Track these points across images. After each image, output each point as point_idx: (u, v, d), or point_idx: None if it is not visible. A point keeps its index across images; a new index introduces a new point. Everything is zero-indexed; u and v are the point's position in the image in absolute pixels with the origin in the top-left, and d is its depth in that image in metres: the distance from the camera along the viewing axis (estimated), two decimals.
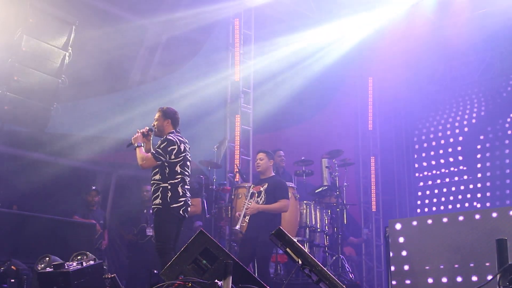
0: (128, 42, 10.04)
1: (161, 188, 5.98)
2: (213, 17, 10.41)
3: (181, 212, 6.01)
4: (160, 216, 5.98)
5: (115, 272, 5.09)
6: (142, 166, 6.06)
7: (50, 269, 5.14)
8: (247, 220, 6.93)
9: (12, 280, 5.86)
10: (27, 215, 7.31)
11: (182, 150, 6.09)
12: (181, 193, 6.02)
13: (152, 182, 6.09)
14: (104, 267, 5.90)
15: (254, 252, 7.02)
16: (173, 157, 6.00)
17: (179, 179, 6.05)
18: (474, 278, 4.85)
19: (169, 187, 5.97)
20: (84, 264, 5.16)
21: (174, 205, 5.95)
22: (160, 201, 5.95)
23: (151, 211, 6.26)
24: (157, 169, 6.03)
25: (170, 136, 6.10)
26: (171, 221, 6.00)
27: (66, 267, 5.07)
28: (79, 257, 5.38)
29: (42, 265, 5.44)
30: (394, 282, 5.29)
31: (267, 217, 6.99)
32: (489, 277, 3.32)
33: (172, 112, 6.27)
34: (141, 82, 10.41)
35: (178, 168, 6.04)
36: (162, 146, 6.02)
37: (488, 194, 11.46)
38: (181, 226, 6.17)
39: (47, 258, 5.52)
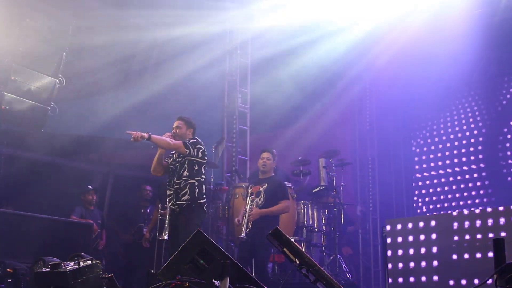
0: (126, 42, 10.04)
1: (189, 184, 6.19)
2: (211, 17, 10.41)
3: (205, 208, 6.29)
4: (189, 212, 6.12)
5: (112, 272, 5.08)
6: (170, 145, 6.17)
7: (47, 269, 5.14)
8: (250, 226, 6.92)
9: (10, 280, 5.86)
10: (25, 215, 7.30)
11: (206, 153, 6.42)
12: (204, 191, 6.30)
13: (177, 181, 6.22)
14: (101, 267, 5.89)
15: (251, 254, 7.03)
16: (200, 155, 6.29)
17: (203, 179, 6.34)
18: (473, 279, 4.87)
19: (196, 183, 6.21)
20: (81, 264, 5.15)
21: (201, 201, 6.21)
22: (189, 197, 6.15)
23: (181, 205, 6.18)
24: (185, 166, 6.24)
25: (195, 139, 6.39)
26: (200, 216, 6.23)
27: (63, 267, 5.07)
28: (75, 258, 5.37)
29: (38, 269, 5.44)
30: (390, 281, 5.30)
31: (267, 220, 7.00)
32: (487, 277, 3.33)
33: (194, 123, 6.55)
34: (139, 82, 10.41)
35: (203, 169, 6.34)
36: (190, 141, 6.28)
37: (483, 195, 11.47)
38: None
39: (42, 262, 5.52)
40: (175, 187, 6.25)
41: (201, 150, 6.32)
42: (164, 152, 6.39)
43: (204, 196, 6.32)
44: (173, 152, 6.49)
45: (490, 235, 4.73)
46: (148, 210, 9.15)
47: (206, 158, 6.42)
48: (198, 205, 6.18)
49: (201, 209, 6.23)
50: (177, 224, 6.19)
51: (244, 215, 6.99)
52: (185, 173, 6.20)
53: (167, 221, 6.74)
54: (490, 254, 4.77)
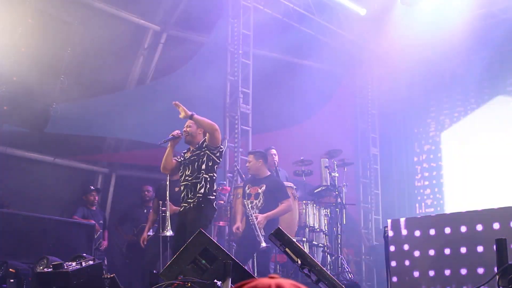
0: (127, 42, 10.05)
1: (204, 178, 6.16)
2: (212, 17, 10.42)
3: (214, 205, 6.25)
4: (204, 204, 6.09)
5: (114, 272, 5.09)
6: (214, 126, 6.17)
7: (49, 269, 5.14)
8: (263, 233, 6.85)
9: (12, 280, 5.86)
10: (27, 215, 7.30)
11: (222, 155, 6.42)
12: (214, 188, 6.27)
13: (193, 174, 6.21)
14: (104, 267, 5.89)
15: (252, 254, 7.04)
16: (218, 154, 6.27)
17: (215, 177, 6.29)
18: (474, 276, 4.86)
19: (208, 179, 6.18)
20: (84, 264, 5.15)
21: (211, 197, 6.18)
22: (204, 190, 6.13)
23: (194, 200, 6.17)
24: (204, 160, 6.21)
25: None
26: (210, 212, 6.20)
27: (65, 267, 5.07)
28: (77, 258, 5.38)
29: (41, 267, 5.44)
30: (393, 281, 5.29)
31: (269, 222, 7.02)
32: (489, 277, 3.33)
33: None
34: (140, 82, 10.42)
35: (215, 168, 6.28)
36: (220, 145, 6.28)
37: (485, 194, 11.45)
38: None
39: (45, 260, 5.52)
40: (189, 180, 6.22)
41: (220, 149, 6.33)
42: (173, 149, 6.40)
43: (214, 194, 6.30)
44: (185, 150, 6.50)
45: (494, 235, 4.72)
46: (150, 210, 9.14)
47: (220, 159, 6.42)
48: (210, 200, 6.16)
49: (211, 205, 6.20)
50: (187, 221, 6.14)
51: (252, 224, 6.93)
52: (203, 166, 6.19)
53: (168, 217, 6.77)
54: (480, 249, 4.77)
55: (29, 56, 7.43)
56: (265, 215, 7.00)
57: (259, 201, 7.14)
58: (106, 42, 9.34)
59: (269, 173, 7.54)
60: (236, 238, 7.77)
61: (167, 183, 7.07)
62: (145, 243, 8.12)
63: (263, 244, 6.70)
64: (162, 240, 7.13)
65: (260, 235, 6.78)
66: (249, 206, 7.08)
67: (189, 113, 6.10)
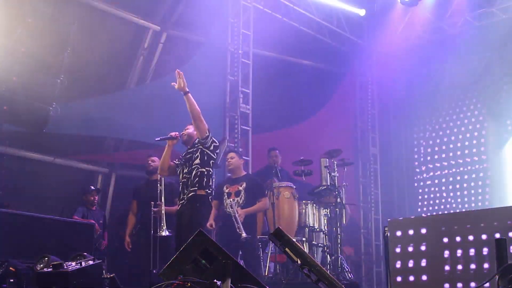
0: (127, 42, 10.05)
1: (199, 172, 6.18)
2: (212, 17, 10.41)
3: (210, 200, 6.27)
4: (198, 200, 6.11)
5: (114, 272, 5.09)
6: (200, 114, 6.16)
7: (49, 269, 5.14)
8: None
9: (11, 280, 5.86)
10: (27, 215, 7.29)
11: (217, 150, 6.47)
12: (210, 183, 6.30)
13: (188, 170, 6.26)
14: (104, 267, 5.89)
15: (235, 250, 7.11)
16: (212, 148, 6.31)
17: (211, 172, 6.33)
18: (473, 276, 4.86)
19: (205, 172, 6.21)
20: (83, 264, 5.15)
21: (207, 191, 6.21)
22: (198, 185, 6.15)
23: (188, 196, 6.20)
24: (198, 155, 6.26)
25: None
26: (208, 205, 6.23)
27: (65, 267, 5.07)
28: (77, 258, 5.38)
29: (41, 265, 5.43)
30: (393, 281, 5.29)
31: (247, 219, 7.19)
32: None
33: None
34: (140, 82, 10.42)
35: (211, 163, 6.32)
36: (209, 133, 6.29)
37: (487, 195, 11.46)
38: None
39: (46, 258, 5.52)
40: (186, 177, 6.27)
41: (214, 144, 6.37)
42: (170, 151, 6.42)
43: (210, 189, 6.33)
44: (183, 153, 6.53)
45: (497, 235, 4.72)
46: (129, 214, 9.11)
47: (216, 154, 6.45)
48: (202, 196, 6.18)
49: (205, 201, 6.22)
50: (183, 218, 6.17)
51: (234, 217, 7.05)
52: (197, 160, 6.24)
53: (163, 217, 6.78)
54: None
55: (29, 56, 7.44)
56: (244, 210, 7.21)
57: (240, 198, 7.31)
58: (106, 42, 9.34)
59: (245, 172, 7.76)
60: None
61: (159, 183, 7.09)
62: (130, 246, 8.18)
63: (244, 235, 6.86)
64: (153, 240, 7.13)
65: (241, 227, 6.93)
66: (230, 204, 7.23)
67: (186, 89, 6.13)
